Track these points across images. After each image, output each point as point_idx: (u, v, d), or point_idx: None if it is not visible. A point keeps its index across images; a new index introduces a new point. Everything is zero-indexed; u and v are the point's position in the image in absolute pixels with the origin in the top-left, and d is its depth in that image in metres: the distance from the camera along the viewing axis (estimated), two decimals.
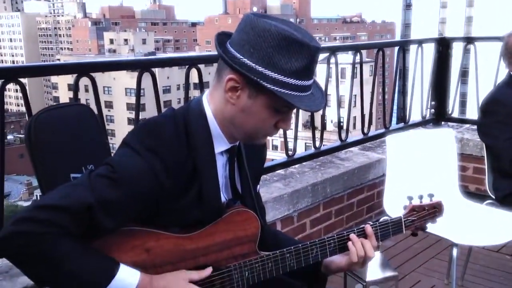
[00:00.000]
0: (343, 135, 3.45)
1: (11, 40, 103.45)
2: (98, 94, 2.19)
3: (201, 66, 2.47)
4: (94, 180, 1.27)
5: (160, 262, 1.35)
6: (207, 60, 2.48)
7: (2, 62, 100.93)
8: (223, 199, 1.47)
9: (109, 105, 57.94)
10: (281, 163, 3.04)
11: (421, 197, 1.65)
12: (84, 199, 1.23)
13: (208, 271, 1.38)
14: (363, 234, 1.55)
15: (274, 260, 1.45)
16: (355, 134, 3.67)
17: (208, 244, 1.40)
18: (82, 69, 2.10)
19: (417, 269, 3.14)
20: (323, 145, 3.38)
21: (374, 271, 2.36)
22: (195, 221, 1.39)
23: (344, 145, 3.46)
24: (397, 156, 2.68)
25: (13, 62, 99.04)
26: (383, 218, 1.66)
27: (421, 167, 2.72)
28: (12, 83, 1.95)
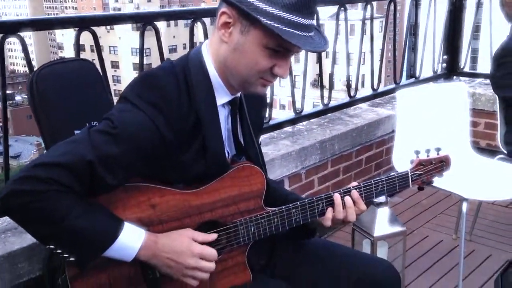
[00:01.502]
0: (352, 92, 3.38)
1: None
2: (100, 49, 2.14)
3: (207, 21, 2.40)
4: (94, 136, 1.24)
5: (166, 218, 1.34)
6: (213, 13, 2.40)
7: None
8: (226, 153, 1.44)
9: (115, 65, 57.53)
10: (288, 120, 2.99)
11: (428, 151, 1.62)
12: (84, 156, 1.21)
13: (214, 236, 1.37)
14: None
15: (280, 215, 1.44)
16: (364, 92, 3.59)
17: (214, 200, 1.38)
18: (83, 23, 2.04)
19: (425, 225, 3.15)
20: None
21: (382, 226, 2.36)
22: (200, 175, 1.37)
23: (353, 101, 3.40)
24: (407, 111, 2.63)
25: None
26: (392, 174, 1.65)
27: (431, 122, 2.67)
28: (16, 39, 1.89)
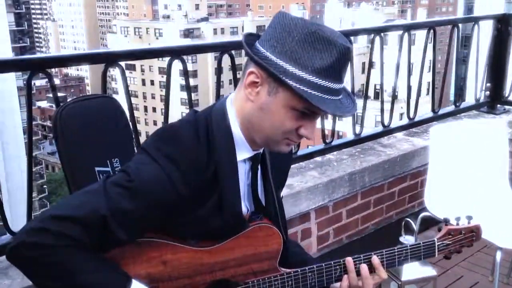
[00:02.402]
0: (386, 120, 3.27)
1: (70, 4, 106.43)
2: (127, 84, 2.16)
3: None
4: (109, 188, 1.23)
5: (176, 275, 1.32)
6: (240, 46, 2.38)
7: (62, 26, 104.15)
8: (244, 209, 1.40)
9: (163, 71, 58.68)
10: (318, 151, 2.92)
11: (458, 219, 1.56)
12: (98, 210, 1.20)
13: None
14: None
15: (295, 278, 1.39)
16: (400, 121, 3.45)
17: (227, 259, 1.35)
18: (112, 59, 2.06)
19: (460, 264, 2.99)
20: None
21: (410, 269, 2.25)
22: (215, 232, 1.34)
23: (387, 131, 3.28)
24: (441, 149, 2.52)
25: (72, 26, 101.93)
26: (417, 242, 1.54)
27: (467, 160, 2.54)
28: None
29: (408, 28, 3.18)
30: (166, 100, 2.26)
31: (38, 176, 43.67)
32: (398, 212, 3.17)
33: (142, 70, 57.59)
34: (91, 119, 1.68)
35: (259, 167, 1.42)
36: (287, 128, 1.27)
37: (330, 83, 1.22)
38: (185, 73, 2.27)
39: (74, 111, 1.67)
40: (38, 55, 2.71)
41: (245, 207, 1.42)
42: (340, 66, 1.23)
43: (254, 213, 1.43)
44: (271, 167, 1.44)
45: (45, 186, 43.29)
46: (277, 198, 1.47)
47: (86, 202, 1.22)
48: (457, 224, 1.56)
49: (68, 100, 1.71)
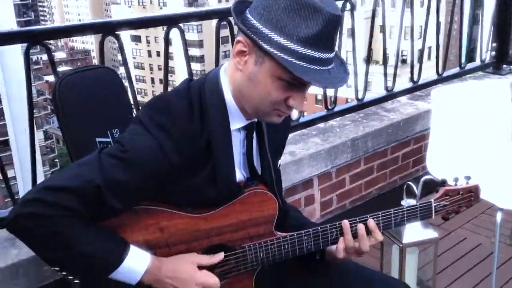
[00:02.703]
0: (389, 85, 3.24)
1: None
2: (124, 54, 2.15)
3: None
4: (104, 159, 1.24)
5: (173, 241, 1.34)
6: None
7: None
8: (240, 177, 1.41)
9: (169, 56, 57.96)
10: (320, 117, 2.92)
11: (456, 180, 1.55)
12: (92, 180, 1.21)
13: (220, 256, 1.36)
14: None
15: (291, 242, 1.40)
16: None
17: (223, 225, 1.37)
18: (107, 29, 2.04)
19: (464, 225, 3.01)
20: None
21: (412, 232, 2.27)
22: (210, 200, 1.35)
23: (391, 95, 3.25)
24: (443, 111, 2.49)
25: None
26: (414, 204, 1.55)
27: (469, 121, 2.52)
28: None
29: None
30: (165, 70, 2.25)
31: (49, 150, 44.11)
32: (402, 176, 3.17)
33: (148, 42, 57.03)
34: (90, 89, 1.70)
35: (254, 135, 1.42)
36: (274, 99, 1.26)
37: (316, 53, 1.20)
38: (184, 42, 2.25)
39: (73, 82, 1.68)
40: (31, 27, 2.68)
41: (242, 175, 1.42)
42: (327, 34, 1.19)
43: (249, 179, 1.44)
44: (267, 135, 1.44)
45: (56, 160, 43.76)
46: (273, 166, 1.47)
47: (81, 173, 1.23)
48: (455, 185, 1.54)
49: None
